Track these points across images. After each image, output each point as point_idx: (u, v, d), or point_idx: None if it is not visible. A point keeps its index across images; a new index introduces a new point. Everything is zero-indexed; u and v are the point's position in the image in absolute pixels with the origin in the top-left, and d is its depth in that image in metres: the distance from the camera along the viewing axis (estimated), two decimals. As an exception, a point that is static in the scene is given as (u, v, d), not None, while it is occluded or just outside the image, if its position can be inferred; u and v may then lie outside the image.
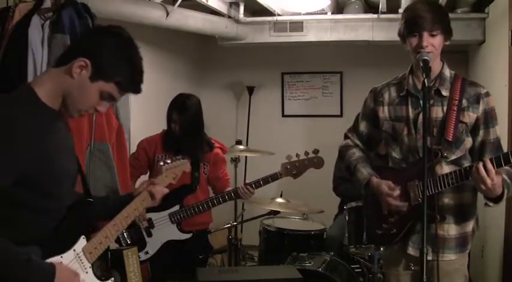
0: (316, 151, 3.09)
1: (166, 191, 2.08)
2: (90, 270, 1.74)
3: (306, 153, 3.09)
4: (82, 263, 1.70)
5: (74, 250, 1.68)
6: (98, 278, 1.78)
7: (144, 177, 3.43)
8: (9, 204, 1.53)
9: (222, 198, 3.19)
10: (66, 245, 1.67)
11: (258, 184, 3.16)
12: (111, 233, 1.82)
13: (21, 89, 1.60)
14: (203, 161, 3.36)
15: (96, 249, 1.76)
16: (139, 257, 3.03)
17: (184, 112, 3.28)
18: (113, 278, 1.86)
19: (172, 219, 3.17)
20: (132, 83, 1.68)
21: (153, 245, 3.15)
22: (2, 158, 1.46)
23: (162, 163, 2.17)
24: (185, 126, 3.29)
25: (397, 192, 2.20)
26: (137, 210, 1.93)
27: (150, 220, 3.15)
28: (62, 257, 1.63)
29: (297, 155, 3.09)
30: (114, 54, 1.62)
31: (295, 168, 3.09)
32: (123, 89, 1.67)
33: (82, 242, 1.71)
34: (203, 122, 3.41)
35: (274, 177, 3.12)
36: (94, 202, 1.82)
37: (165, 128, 3.41)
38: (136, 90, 1.70)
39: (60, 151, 1.63)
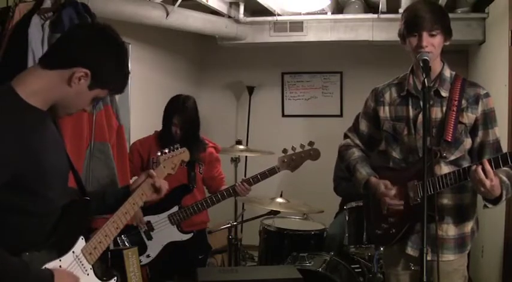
0: (311, 143, 3.11)
1: (166, 183, 1.99)
2: (91, 272, 1.70)
3: (302, 146, 3.11)
4: (82, 264, 1.66)
5: (73, 252, 1.64)
6: (100, 279, 1.74)
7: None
8: (1, 210, 1.50)
9: (221, 195, 3.19)
10: (64, 248, 1.62)
11: (256, 179, 3.16)
12: (111, 231, 1.77)
13: (2, 90, 1.55)
14: (198, 161, 3.36)
15: (96, 249, 1.71)
16: (141, 261, 3.03)
17: (185, 115, 3.27)
18: (115, 278, 1.82)
19: (172, 220, 3.16)
20: (122, 87, 1.74)
21: (154, 248, 3.14)
22: None
23: (159, 153, 2.05)
24: (186, 128, 3.28)
25: (393, 191, 2.20)
26: (136, 205, 1.88)
27: (149, 223, 3.15)
28: (60, 260, 1.59)
29: (293, 148, 3.10)
30: (114, 66, 1.66)
31: (292, 161, 3.11)
32: (114, 93, 1.76)
33: (81, 243, 1.67)
34: (199, 121, 3.41)
35: (272, 171, 3.13)
36: (91, 200, 1.78)
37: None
38: (122, 92, 1.78)
39: (49, 151, 1.59)
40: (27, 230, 1.56)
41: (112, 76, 1.66)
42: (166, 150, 2.08)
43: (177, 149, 2.13)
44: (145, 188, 1.92)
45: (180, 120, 3.27)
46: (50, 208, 1.61)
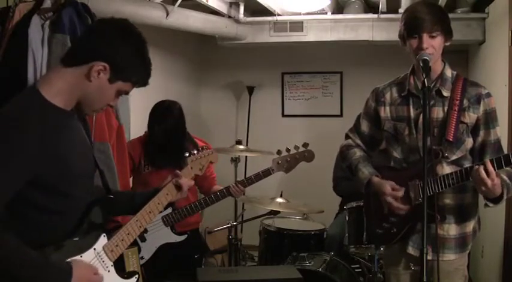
0: (305, 145, 3.11)
1: (192, 183, 2.02)
2: (112, 269, 1.70)
3: (296, 148, 3.10)
4: (103, 261, 1.67)
5: (95, 249, 1.65)
6: (121, 276, 1.75)
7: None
8: (24, 206, 1.52)
9: (215, 197, 3.17)
10: (86, 244, 1.64)
11: (250, 181, 3.15)
12: (134, 229, 1.78)
13: (27, 91, 1.58)
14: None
15: (118, 247, 1.72)
16: (136, 263, 3.03)
17: (167, 125, 3.27)
18: (136, 276, 1.82)
19: (166, 221, 3.14)
20: (146, 78, 1.72)
21: (147, 249, 3.12)
22: (12, 161, 1.44)
23: (187, 154, 2.09)
24: (169, 137, 3.27)
25: (400, 193, 2.19)
26: (161, 205, 1.89)
27: None
28: (81, 256, 1.61)
29: (287, 150, 3.10)
30: (132, 57, 1.64)
31: (286, 163, 3.11)
32: (138, 85, 1.72)
33: (103, 240, 1.68)
34: (185, 127, 3.38)
35: (266, 173, 3.12)
36: (115, 198, 1.79)
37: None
38: (147, 83, 1.74)
39: (74, 150, 1.61)
40: (48, 226, 1.58)
41: (131, 67, 1.64)
42: (195, 152, 2.11)
43: (205, 150, 2.17)
44: (171, 188, 1.95)
45: (163, 129, 3.26)
46: (72, 206, 1.63)
